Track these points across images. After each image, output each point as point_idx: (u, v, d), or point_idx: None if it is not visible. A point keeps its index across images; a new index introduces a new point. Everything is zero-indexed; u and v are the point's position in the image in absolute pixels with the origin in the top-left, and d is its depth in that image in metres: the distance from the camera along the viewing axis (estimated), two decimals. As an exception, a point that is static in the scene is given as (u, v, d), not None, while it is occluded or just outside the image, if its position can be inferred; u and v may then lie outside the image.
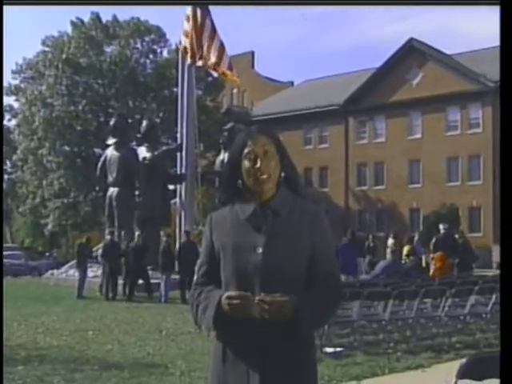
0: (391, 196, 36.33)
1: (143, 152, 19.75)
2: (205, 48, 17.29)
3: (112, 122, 19.95)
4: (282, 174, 2.16)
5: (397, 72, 36.40)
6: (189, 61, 17.82)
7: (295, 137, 37.87)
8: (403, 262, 14.57)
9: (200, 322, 2.13)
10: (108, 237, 15.89)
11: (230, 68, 17.45)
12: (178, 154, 19.55)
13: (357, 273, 15.69)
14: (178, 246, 14.84)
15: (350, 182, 38.52)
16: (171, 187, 20.62)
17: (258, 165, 2.10)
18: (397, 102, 35.88)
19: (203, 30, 17.32)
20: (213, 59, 17.15)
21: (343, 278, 15.44)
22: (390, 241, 19.02)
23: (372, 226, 35.77)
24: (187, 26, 17.62)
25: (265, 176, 2.11)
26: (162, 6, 35.32)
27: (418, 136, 35.98)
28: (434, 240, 14.66)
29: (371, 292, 8.06)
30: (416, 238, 17.37)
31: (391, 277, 9.90)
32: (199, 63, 17.63)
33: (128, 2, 32.48)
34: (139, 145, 20.96)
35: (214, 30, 17.47)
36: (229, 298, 2.01)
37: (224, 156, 20.24)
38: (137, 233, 15.83)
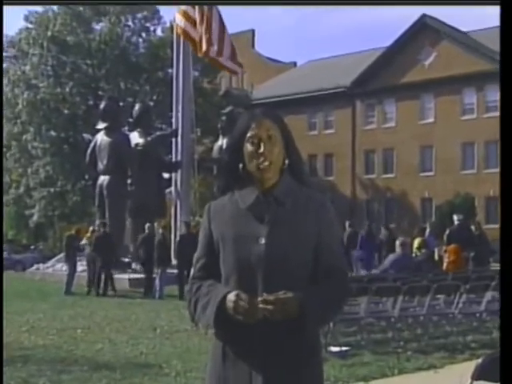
0: (401, 185, 36.33)
1: (136, 137, 19.71)
2: (214, 38, 17.21)
3: (102, 106, 19.89)
4: (286, 161, 2.16)
5: (408, 51, 36.25)
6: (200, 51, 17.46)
7: (298, 121, 37.78)
8: (414, 255, 14.58)
9: (199, 319, 2.13)
10: (100, 228, 15.90)
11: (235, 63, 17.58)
12: (174, 140, 19.54)
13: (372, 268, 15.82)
14: (177, 238, 14.81)
15: (357, 170, 38.50)
16: (166, 175, 20.61)
17: (262, 150, 2.11)
18: (408, 83, 35.76)
19: (211, 20, 17.21)
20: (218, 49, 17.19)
21: (362, 272, 15.61)
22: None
23: (381, 216, 35.80)
24: (191, 11, 17.45)
25: (267, 163, 2.11)
26: (161, 5, 35.41)
27: (431, 120, 35.91)
28: (447, 232, 14.65)
29: (380, 287, 8.06)
30: (428, 229, 17.40)
31: (401, 271, 9.90)
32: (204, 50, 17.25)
33: (129, 2, 33.05)
34: (131, 130, 20.92)
35: (221, 20, 17.47)
36: (235, 300, 2.00)
37: (222, 142, 20.22)
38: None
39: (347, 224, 18.92)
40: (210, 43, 16.91)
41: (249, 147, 2.14)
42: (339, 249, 2.21)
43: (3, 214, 17.29)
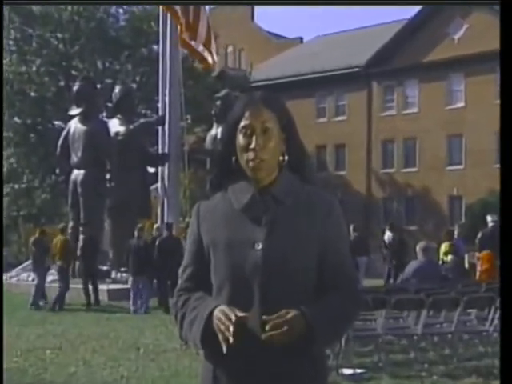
0: (425, 181, 36.34)
1: (116, 125, 19.71)
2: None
3: (76, 88, 19.88)
4: (285, 158, 2.18)
5: (434, 24, 36.22)
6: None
7: (305, 107, 37.76)
8: (440, 262, 14.57)
9: (185, 337, 2.16)
10: (82, 233, 15.97)
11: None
12: (160, 129, 19.52)
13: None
14: (157, 242, 14.86)
15: (374, 164, 38.51)
16: (151, 170, 20.61)
17: (253, 145, 2.12)
18: (434, 61, 35.74)
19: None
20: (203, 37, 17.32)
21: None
22: (388, 233, 19.13)
23: (400, 217, 35.83)
24: None
25: (258, 160, 2.12)
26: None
27: (461, 105, 35.88)
28: (479, 235, 14.64)
29: (400, 300, 8.06)
30: (457, 232, 17.38)
31: (425, 281, 9.90)
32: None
33: (126, 1, 33.32)
34: (110, 116, 20.93)
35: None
36: (219, 317, 2.00)
37: (217, 131, 20.24)
38: (155, 225, 15.85)
39: (351, 228, 18.89)
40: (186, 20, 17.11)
41: (240, 139, 2.15)
42: (348, 255, 2.23)
43: (3, 214, 17.28)
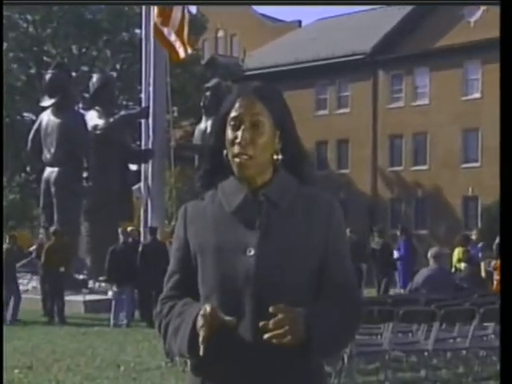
0: (437, 179, 36.41)
1: (94, 118, 19.69)
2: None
3: (48, 76, 19.81)
4: (279, 156, 2.20)
5: (447, 6, 36.28)
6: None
7: (303, 98, 37.79)
8: (453, 270, 14.59)
9: (170, 347, 2.18)
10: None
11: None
12: (143, 122, 19.51)
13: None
14: (140, 247, 14.84)
15: (380, 161, 38.56)
16: (133, 167, 20.58)
17: (239, 139, 2.13)
18: (447, 47, 35.77)
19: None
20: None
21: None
22: (377, 239, 19.07)
23: (409, 220, 35.89)
24: None
25: (245, 157, 2.13)
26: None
27: (477, 95, 35.95)
28: (497, 241, 14.66)
29: (408, 311, 8.07)
30: (472, 237, 17.42)
31: (437, 290, 9.91)
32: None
33: (125, 2, 33.42)
34: (88, 108, 20.90)
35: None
36: (202, 314, 2.02)
37: (206, 124, 20.22)
38: (137, 229, 15.77)
39: (348, 231, 18.85)
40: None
41: (229, 132, 2.17)
42: (349, 263, 2.26)
43: (3, 214, 17.25)
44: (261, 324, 1.99)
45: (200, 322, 2.02)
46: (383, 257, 17.98)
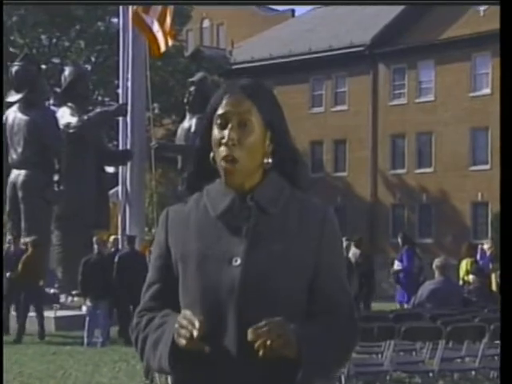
0: (443, 183, 36.51)
1: (66, 115, 19.61)
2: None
3: (15, 69, 19.72)
4: (269, 160, 2.21)
5: (452, -4, 36.46)
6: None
7: (297, 94, 37.84)
8: (461, 282, 14.62)
9: (148, 361, 2.19)
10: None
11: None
12: (121, 120, 19.47)
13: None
14: (116, 258, 14.81)
15: (380, 163, 38.64)
16: (110, 170, 20.53)
17: (225, 139, 2.15)
18: (454, 38, 35.89)
19: None
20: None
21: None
22: (353, 249, 19.10)
23: (413, 227, 35.96)
24: None
25: (230, 158, 2.15)
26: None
27: (486, 91, 36.05)
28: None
29: (412, 328, 8.08)
30: (481, 246, 17.46)
31: (443, 305, 9.93)
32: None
33: (125, 2, 33.70)
34: (59, 104, 20.80)
35: None
36: (180, 321, 2.04)
37: (190, 123, 20.19)
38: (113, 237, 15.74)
39: (344, 240, 18.90)
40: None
41: (215, 132, 2.20)
42: (344, 275, 2.28)
43: (3, 214, 17.23)
44: (249, 331, 1.99)
45: (183, 322, 2.04)
46: (361, 269, 18.05)
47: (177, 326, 2.05)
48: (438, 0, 36.03)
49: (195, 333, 2.00)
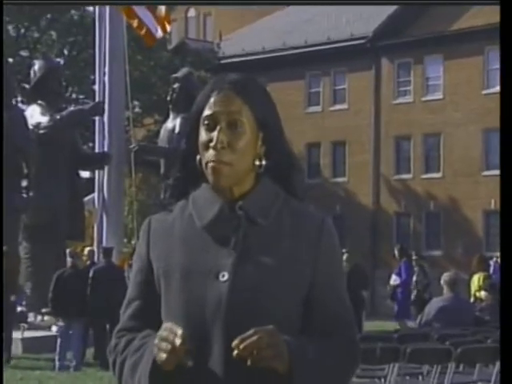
0: (452, 190, 36.58)
1: (36, 114, 19.58)
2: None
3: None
4: (262, 162, 2.21)
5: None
6: None
7: (292, 91, 37.88)
8: (473, 299, 14.64)
9: None
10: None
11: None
12: (97, 119, 19.45)
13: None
14: (91, 273, 14.79)
15: (384, 168, 38.69)
16: (85, 174, 20.48)
17: (214, 142, 2.15)
18: (464, 30, 36.00)
19: None
20: None
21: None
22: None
23: (419, 238, 36.01)
24: None
25: (218, 162, 2.14)
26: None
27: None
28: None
29: (418, 349, 8.10)
30: (495, 259, 17.51)
31: (452, 324, 9.94)
32: None
33: (125, 1, 34.01)
34: (28, 102, 20.78)
35: None
36: (161, 335, 2.04)
37: (174, 123, 20.17)
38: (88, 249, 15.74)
39: (344, 252, 19.00)
40: None
41: (202, 134, 2.19)
42: (343, 292, 2.28)
43: (3, 215, 17.26)
44: (235, 341, 1.99)
45: (163, 334, 2.03)
46: (350, 282, 18.16)
47: (156, 341, 2.04)
48: (437, 0, 36.27)
49: (177, 341, 1.98)
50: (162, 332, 2.04)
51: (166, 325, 2.05)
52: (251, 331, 1.99)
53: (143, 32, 17.77)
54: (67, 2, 33.71)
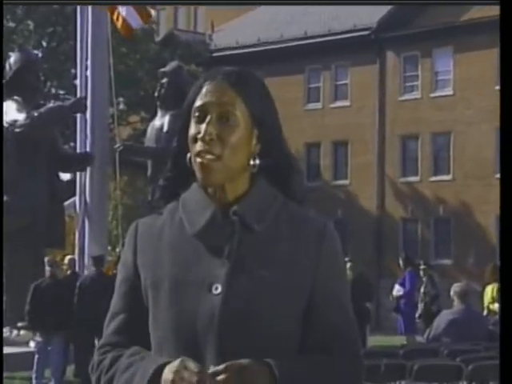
0: (463, 193, 36.63)
1: (11, 111, 19.56)
2: None
3: None
4: (256, 161, 2.20)
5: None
6: None
7: (290, 87, 37.90)
8: (485, 312, 14.65)
9: None
10: None
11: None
12: (78, 117, 19.43)
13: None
14: (78, 283, 14.78)
15: (389, 169, 38.73)
16: (65, 176, 20.46)
17: (202, 133, 2.13)
18: (475, 21, 36.08)
19: None
20: None
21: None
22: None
23: (428, 246, 36.03)
24: None
25: (207, 156, 2.12)
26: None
27: (513, 85, 36.25)
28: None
29: (426, 366, 8.15)
30: None
31: (463, 339, 9.94)
32: None
33: (125, 1, 34.36)
34: (4, 98, 20.75)
35: None
36: (176, 370, 1.99)
37: (162, 120, 20.16)
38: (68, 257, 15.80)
39: (347, 261, 19.08)
40: None
41: (192, 127, 2.18)
42: (348, 302, 2.27)
43: (3, 215, 17.34)
44: (210, 371, 1.99)
45: (184, 374, 1.99)
46: (354, 293, 18.22)
47: (171, 376, 1.99)
48: (437, 0, 36.46)
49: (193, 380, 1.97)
50: (176, 371, 1.99)
51: (188, 363, 2.01)
52: (223, 366, 1.98)
53: (119, 23, 17.78)
54: (67, 2, 33.95)
